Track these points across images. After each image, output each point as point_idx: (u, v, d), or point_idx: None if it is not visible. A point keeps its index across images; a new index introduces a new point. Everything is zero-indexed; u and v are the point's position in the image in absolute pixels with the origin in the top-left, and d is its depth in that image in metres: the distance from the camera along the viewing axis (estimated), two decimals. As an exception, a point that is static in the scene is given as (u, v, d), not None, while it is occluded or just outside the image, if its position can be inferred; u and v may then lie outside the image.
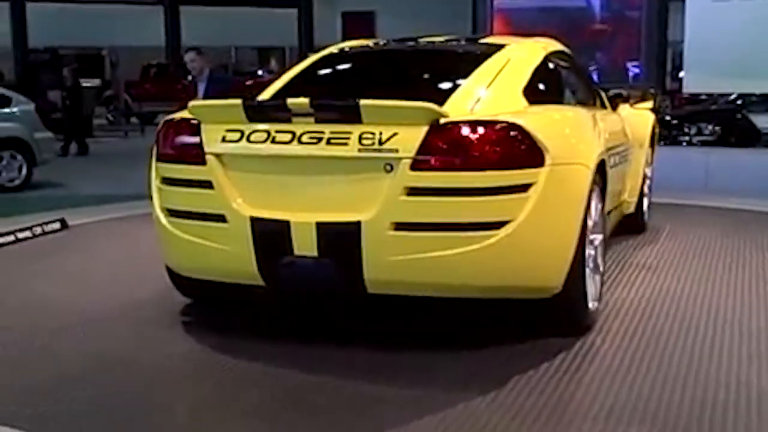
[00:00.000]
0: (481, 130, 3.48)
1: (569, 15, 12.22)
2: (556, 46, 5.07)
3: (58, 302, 4.59)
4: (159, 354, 3.79)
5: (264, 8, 23.63)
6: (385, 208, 3.48)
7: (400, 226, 3.49)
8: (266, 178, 3.72)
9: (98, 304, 4.53)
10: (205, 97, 6.92)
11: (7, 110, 10.56)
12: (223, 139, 3.71)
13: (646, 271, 5.24)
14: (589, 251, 4.04)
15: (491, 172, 3.46)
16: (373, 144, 3.46)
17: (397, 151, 3.43)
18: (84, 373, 3.56)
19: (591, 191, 3.92)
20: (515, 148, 3.52)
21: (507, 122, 3.55)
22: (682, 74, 11.91)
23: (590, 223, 4.02)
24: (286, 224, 3.58)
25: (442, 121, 3.46)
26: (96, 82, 22.58)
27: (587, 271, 3.96)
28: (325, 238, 3.56)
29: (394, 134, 3.45)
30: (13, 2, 20.46)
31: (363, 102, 3.48)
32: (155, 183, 4.01)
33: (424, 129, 3.43)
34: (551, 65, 4.70)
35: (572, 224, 3.75)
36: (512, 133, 3.52)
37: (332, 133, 3.53)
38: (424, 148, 3.42)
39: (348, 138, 3.51)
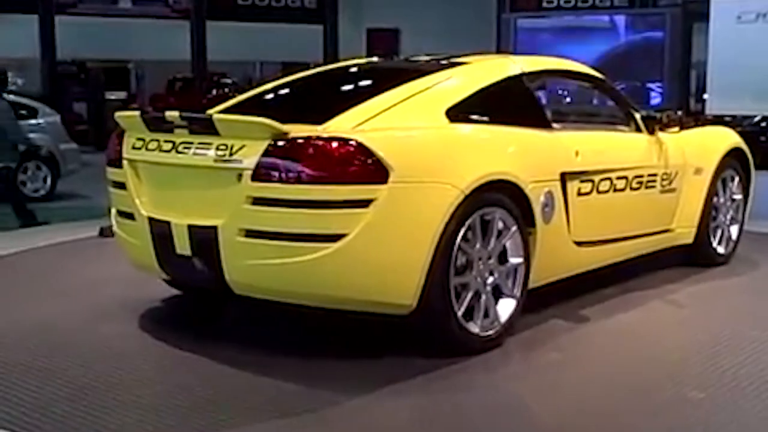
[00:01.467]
0: (318, 146, 3.68)
1: (593, 34, 12.23)
2: (544, 65, 5.28)
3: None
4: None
5: (290, 24, 23.76)
6: (234, 215, 3.78)
7: (248, 233, 3.75)
8: (158, 182, 4.19)
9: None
10: None
11: (33, 121, 10.70)
12: (133, 147, 4.25)
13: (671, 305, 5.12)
14: (484, 275, 4.09)
15: (325, 186, 3.63)
16: (225, 155, 3.79)
17: (241, 162, 3.74)
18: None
19: (468, 213, 3.91)
20: (353, 164, 3.64)
21: (345, 139, 3.70)
22: (705, 96, 11.85)
23: (478, 245, 4.04)
24: (168, 225, 4.02)
25: (284, 136, 3.72)
26: (122, 95, 22.83)
27: (468, 293, 4.01)
28: (194, 239, 3.93)
29: (242, 147, 3.76)
30: (42, 15, 20.70)
31: (215, 116, 3.94)
32: (108, 186, 4.54)
33: (266, 143, 3.70)
34: (521, 85, 4.77)
35: (423, 243, 3.77)
36: (351, 150, 3.66)
37: (198, 143, 3.92)
38: (264, 161, 3.68)
39: (208, 149, 3.87)
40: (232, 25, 23.02)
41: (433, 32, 20.95)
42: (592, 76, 5.62)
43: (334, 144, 3.68)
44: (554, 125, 4.84)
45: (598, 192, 4.89)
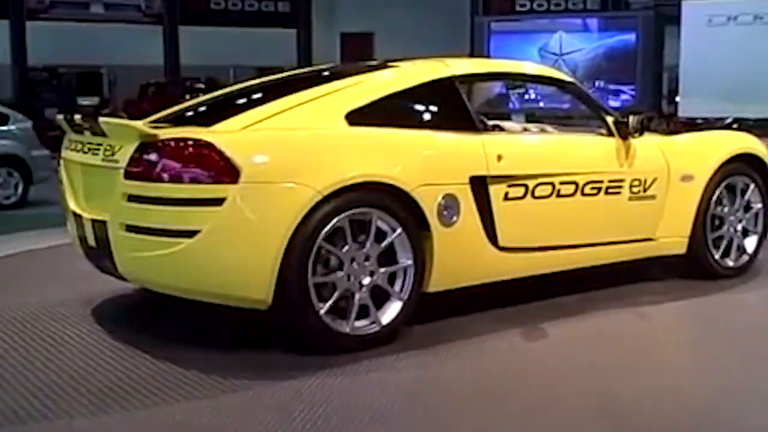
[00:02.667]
0: (172, 147, 3.97)
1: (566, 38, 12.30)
2: (483, 67, 5.37)
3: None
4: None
5: (263, 28, 23.73)
6: (116, 211, 4.11)
7: (127, 228, 4.06)
8: (76, 180, 4.59)
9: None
10: None
11: (4, 128, 10.59)
12: (65, 147, 4.73)
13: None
14: (359, 276, 4.18)
15: (180, 185, 3.91)
16: (109, 155, 4.17)
17: (118, 162, 4.08)
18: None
19: (332, 214, 4.02)
20: (204, 164, 3.90)
21: (198, 140, 3.97)
22: (678, 98, 11.97)
23: (348, 245, 4.12)
24: (80, 218, 4.42)
25: (151, 138, 4.02)
26: (94, 100, 22.67)
27: (335, 292, 4.11)
28: (96, 233, 4.28)
29: (121, 148, 4.12)
30: (13, 20, 20.54)
31: (101, 120, 4.27)
32: None
33: (136, 144, 4.02)
34: (449, 87, 4.79)
35: (273, 241, 3.92)
36: (202, 151, 3.91)
37: (96, 145, 4.32)
38: (133, 160, 4.00)
39: (99, 150, 4.28)
40: (205, 29, 22.98)
41: (408, 36, 21.01)
42: (553, 79, 5.58)
43: (188, 145, 3.96)
44: (484, 129, 4.84)
45: (535, 197, 4.78)
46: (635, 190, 5.28)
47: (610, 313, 4.93)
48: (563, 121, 6.22)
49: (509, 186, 4.67)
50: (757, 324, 4.92)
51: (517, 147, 4.93)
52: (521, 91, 12.38)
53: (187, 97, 22.21)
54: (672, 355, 4.44)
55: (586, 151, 5.26)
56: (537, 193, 4.78)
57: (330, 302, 4.09)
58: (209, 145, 3.89)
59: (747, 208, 5.79)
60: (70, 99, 22.02)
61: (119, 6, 23.50)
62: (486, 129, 4.91)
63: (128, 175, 4.00)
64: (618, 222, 5.28)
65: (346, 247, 4.13)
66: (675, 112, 12.25)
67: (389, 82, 4.73)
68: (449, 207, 4.42)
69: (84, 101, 22.35)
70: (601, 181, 5.11)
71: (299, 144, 4.24)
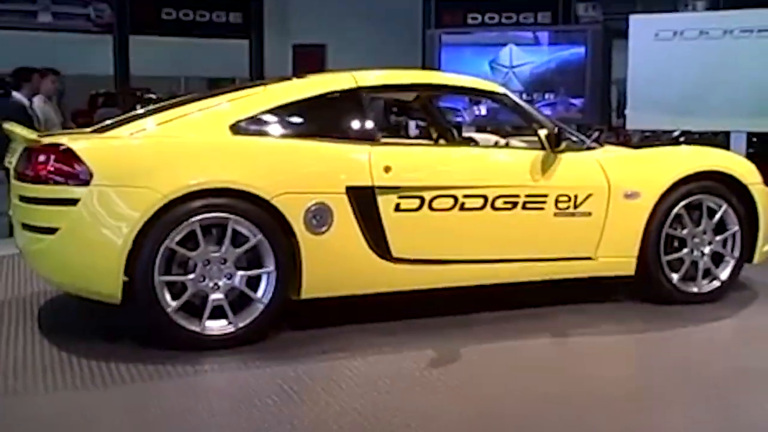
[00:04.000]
0: (39, 151, 4.42)
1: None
2: (394, 79, 5.37)
3: None
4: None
5: (215, 39, 23.55)
6: (14, 210, 4.70)
7: (23, 226, 4.53)
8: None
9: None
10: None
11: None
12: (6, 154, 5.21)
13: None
14: (215, 278, 4.45)
15: (44, 185, 4.35)
16: (12, 159, 4.69)
17: (11, 164, 4.71)
18: None
19: (181, 217, 4.33)
20: (63, 168, 4.32)
21: (62, 145, 4.39)
22: (627, 111, 12.11)
23: (201, 248, 4.40)
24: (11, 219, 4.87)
25: (33, 143, 4.52)
26: (42, 110, 22.25)
27: (186, 293, 4.43)
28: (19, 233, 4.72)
29: (17, 152, 4.69)
30: (-41, 28, 20.17)
31: (4, 126, 4.86)
32: None
33: (22, 148, 4.60)
34: (349, 99, 4.93)
35: (120, 241, 4.27)
36: (64, 156, 4.33)
37: (12, 150, 4.83)
38: (19, 164, 4.54)
39: (14, 154, 4.80)
40: (156, 39, 22.73)
41: (360, 48, 21.01)
42: (478, 90, 5.60)
43: (54, 150, 4.39)
44: (381, 140, 4.91)
45: (433, 209, 4.76)
46: (562, 205, 5.10)
47: (527, 335, 4.80)
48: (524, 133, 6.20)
49: (400, 197, 4.71)
50: (675, 364, 4.45)
51: (410, 159, 4.91)
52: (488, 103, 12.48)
53: (138, 107, 22.06)
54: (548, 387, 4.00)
55: (499, 165, 5.13)
56: (435, 205, 4.77)
57: (180, 301, 4.37)
58: (69, 150, 4.35)
59: (719, 230, 5.48)
60: (17, 109, 21.60)
61: (68, 15, 23.15)
62: (380, 140, 4.92)
63: (17, 177, 4.57)
64: (542, 238, 5.12)
65: (198, 250, 4.38)
66: (624, 125, 12.40)
67: (285, 93, 4.93)
68: (319, 216, 4.57)
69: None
70: (517, 195, 4.98)
71: (153, 151, 4.57)
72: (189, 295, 4.40)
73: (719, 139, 11.53)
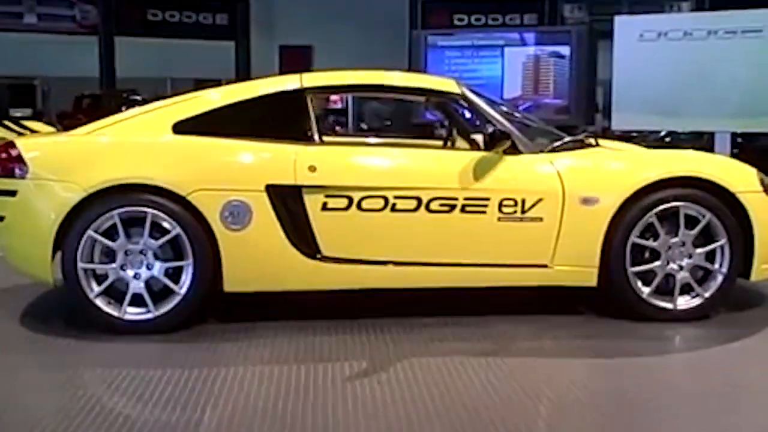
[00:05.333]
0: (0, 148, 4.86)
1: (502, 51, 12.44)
2: (336, 80, 5.37)
3: None
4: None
5: (201, 40, 23.55)
6: None
7: None
8: None
9: None
10: None
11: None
12: None
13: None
14: (136, 267, 4.71)
15: None
16: None
17: None
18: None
19: (101, 210, 4.63)
20: (6, 162, 4.79)
21: (10, 142, 4.85)
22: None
23: (121, 239, 4.67)
24: None
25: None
26: (27, 112, 22.19)
27: (107, 280, 4.69)
28: None
29: None
30: (-57, 30, 20.08)
31: None
32: None
33: None
34: (291, 100, 5.04)
35: (47, 229, 4.64)
36: (8, 151, 4.78)
37: None
38: None
39: None
40: (141, 41, 22.71)
41: (347, 49, 21.05)
42: (428, 90, 5.43)
43: (4, 147, 4.82)
44: (318, 140, 4.93)
45: (362, 209, 4.77)
46: (507, 210, 4.85)
47: (465, 345, 4.54)
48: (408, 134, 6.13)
49: (327, 197, 4.74)
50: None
51: (337, 159, 4.90)
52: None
53: (123, 109, 22.02)
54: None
55: (435, 166, 4.98)
56: (364, 205, 4.76)
57: (101, 287, 4.67)
58: (12, 146, 4.79)
59: (702, 242, 4.95)
60: (1, 110, 21.54)
61: (54, 16, 23.11)
62: (317, 140, 4.92)
63: None
64: (485, 243, 4.90)
65: (118, 241, 4.67)
66: (609, 126, 12.44)
67: (232, 93, 5.10)
68: (236, 213, 4.70)
69: (17, 113, 21.86)
70: (455, 198, 4.83)
71: (80, 148, 4.93)
72: (110, 282, 4.70)
73: (705, 139, 11.58)
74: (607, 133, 13.93)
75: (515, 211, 4.84)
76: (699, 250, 4.92)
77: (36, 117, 22.73)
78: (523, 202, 4.84)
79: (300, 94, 5.00)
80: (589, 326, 4.91)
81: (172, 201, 4.65)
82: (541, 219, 4.85)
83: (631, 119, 11.18)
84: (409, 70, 12.64)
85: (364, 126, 15.12)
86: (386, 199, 4.76)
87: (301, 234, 4.77)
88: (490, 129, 4.94)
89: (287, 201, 4.74)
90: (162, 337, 4.64)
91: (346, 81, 5.43)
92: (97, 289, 4.68)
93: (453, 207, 4.80)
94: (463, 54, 12.49)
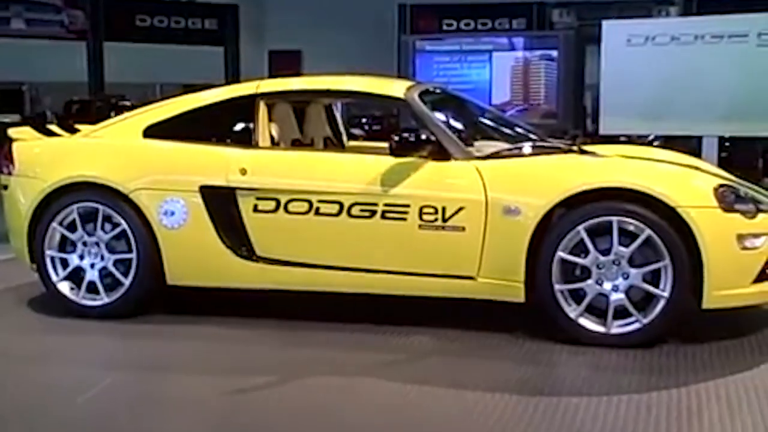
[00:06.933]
0: (4, 149, 5.53)
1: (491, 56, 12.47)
2: (294, 85, 5.70)
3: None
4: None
5: (190, 45, 23.49)
6: None
7: None
8: None
9: None
10: None
11: None
12: None
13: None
14: (92, 257, 5.23)
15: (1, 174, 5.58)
16: None
17: None
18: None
19: (64, 204, 5.20)
20: (4, 161, 5.49)
21: (9, 143, 5.47)
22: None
23: (79, 231, 5.20)
24: None
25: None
26: (15, 117, 22.10)
27: (68, 268, 5.29)
28: None
29: None
30: (-70, 35, 19.98)
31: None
32: None
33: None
34: (238, 106, 5.29)
35: (23, 220, 5.30)
36: (6, 152, 5.47)
37: None
38: None
39: None
40: (130, 46, 22.64)
41: (336, 54, 21.02)
42: (378, 95, 5.44)
43: (7, 147, 5.47)
44: (257, 144, 5.13)
45: (288, 212, 4.86)
46: (428, 218, 4.67)
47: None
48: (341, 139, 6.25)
49: (258, 199, 4.92)
50: None
51: (266, 163, 5.03)
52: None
53: (113, 114, 21.94)
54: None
55: (357, 172, 4.90)
56: (290, 209, 4.87)
57: (62, 275, 5.26)
58: (9, 148, 5.45)
59: (640, 262, 4.47)
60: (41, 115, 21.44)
61: (42, 21, 23.01)
62: (255, 144, 5.13)
63: None
64: (406, 251, 4.77)
65: (76, 233, 5.22)
66: (597, 130, 12.48)
67: (197, 98, 5.41)
68: (171, 211, 5.05)
69: (5, 119, 21.77)
70: (375, 204, 4.74)
71: (53, 150, 5.50)
72: (71, 269, 5.25)
73: (693, 143, 11.62)
74: (594, 138, 13.99)
75: (436, 219, 4.66)
76: (634, 271, 4.45)
77: (24, 123, 22.66)
78: (444, 209, 4.64)
79: (252, 99, 5.20)
80: (514, 347, 4.57)
81: (119, 198, 5.10)
82: (463, 228, 4.64)
83: (618, 123, 11.22)
84: (399, 75, 12.66)
85: (355, 132, 15.12)
86: (310, 203, 4.83)
87: (235, 234, 5.00)
88: (405, 134, 4.74)
89: (221, 202, 5.00)
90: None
91: (297, 86, 5.68)
92: (59, 275, 5.27)
93: (373, 213, 4.74)
94: (452, 59, 12.52)
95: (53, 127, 5.76)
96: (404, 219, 4.71)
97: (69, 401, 3.88)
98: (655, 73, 10.70)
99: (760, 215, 4.53)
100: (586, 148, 5.51)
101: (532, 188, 4.62)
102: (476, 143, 5.26)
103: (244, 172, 4.96)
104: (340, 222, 4.80)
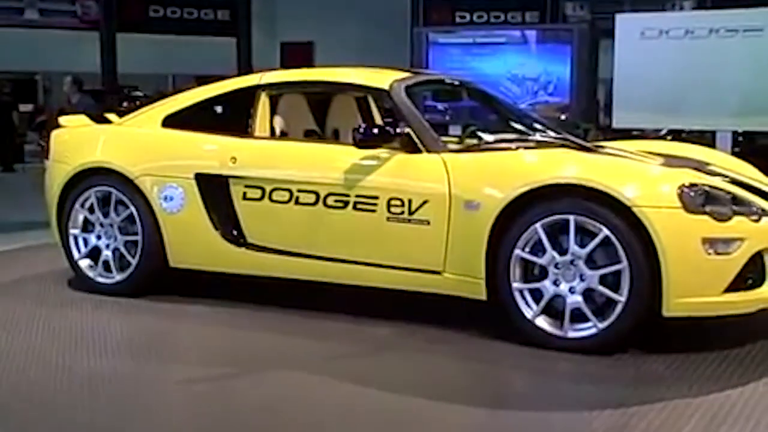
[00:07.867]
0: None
1: (504, 49, 12.43)
2: (290, 77, 5.66)
3: None
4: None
5: (203, 36, 23.49)
6: None
7: None
8: None
9: None
10: None
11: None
12: None
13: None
14: (107, 238, 5.68)
15: (45, 160, 6.03)
16: None
17: None
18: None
19: (84, 187, 5.63)
20: (45, 149, 6.05)
21: (51, 131, 5.95)
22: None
23: (97, 213, 5.67)
24: None
25: None
26: (29, 107, 22.17)
27: (88, 246, 5.79)
28: None
29: None
30: (-55, 25, 20.04)
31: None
32: None
33: None
34: (240, 98, 5.50)
35: (54, 200, 5.85)
36: (46, 140, 5.96)
37: None
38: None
39: None
40: (143, 37, 22.65)
41: (348, 46, 21.00)
42: (362, 86, 5.47)
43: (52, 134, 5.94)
44: (251, 133, 5.33)
45: (272, 201, 5.07)
46: (395, 210, 4.67)
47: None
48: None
49: (246, 187, 5.13)
50: None
51: (253, 152, 5.21)
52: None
53: (125, 104, 22.00)
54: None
55: (330, 162, 4.96)
56: (274, 197, 5.06)
57: (84, 252, 5.71)
58: (49, 135, 5.93)
59: (602, 263, 4.27)
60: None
61: (55, 12, 23.05)
62: (252, 134, 5.32)
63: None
64: (376, 243, 4.80)
65: (94, 215, 5.63)
66: (610, 124, 12.43)
67: (206, 90, 5.67)
68: (170, 197, 5.34)
69: (19, 108, 21.84)
70: (347, 195, 4.80)
71: (80, 138, 5.88)
72: (90, 248, 5.69)
73: (707, 138, 11.56)
74: (607, 132, 13.95)
75: (402, 212, 4.66)
76: (590, 273, 4.26)
77: (38, 112, 22.76)
78: (410, 202, 4.64)
79: (254, 90, 5.41)
80: (471, 346, 4.46)
81: (127, 183, 5.43)
82: (428, 222, 4.61)
83: (632, 117, 11.16)
84: (411, 66, 12.63)
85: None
86: (291, 192, 5.00)
87: (227, 221, 5.22)
88: (368, 126, 4.73)
89: (215, 189, 5.24)
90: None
91: (293, 78, 5.73)
92: (80, 253, 5.71)
93: (346, 203, 4.84)
94: (465, 51, 12.48)
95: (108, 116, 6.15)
96: (374, 211, 4.77)
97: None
98: (669, 67, 10.64)
99: (736, 218, 4.18)
100: (597, 144, 5.46)
101: (493, 182, 4.49)
102: (484, 136, 5.28)
103: (234, 160, 5.18)
104: (317, 212, 4.93)
